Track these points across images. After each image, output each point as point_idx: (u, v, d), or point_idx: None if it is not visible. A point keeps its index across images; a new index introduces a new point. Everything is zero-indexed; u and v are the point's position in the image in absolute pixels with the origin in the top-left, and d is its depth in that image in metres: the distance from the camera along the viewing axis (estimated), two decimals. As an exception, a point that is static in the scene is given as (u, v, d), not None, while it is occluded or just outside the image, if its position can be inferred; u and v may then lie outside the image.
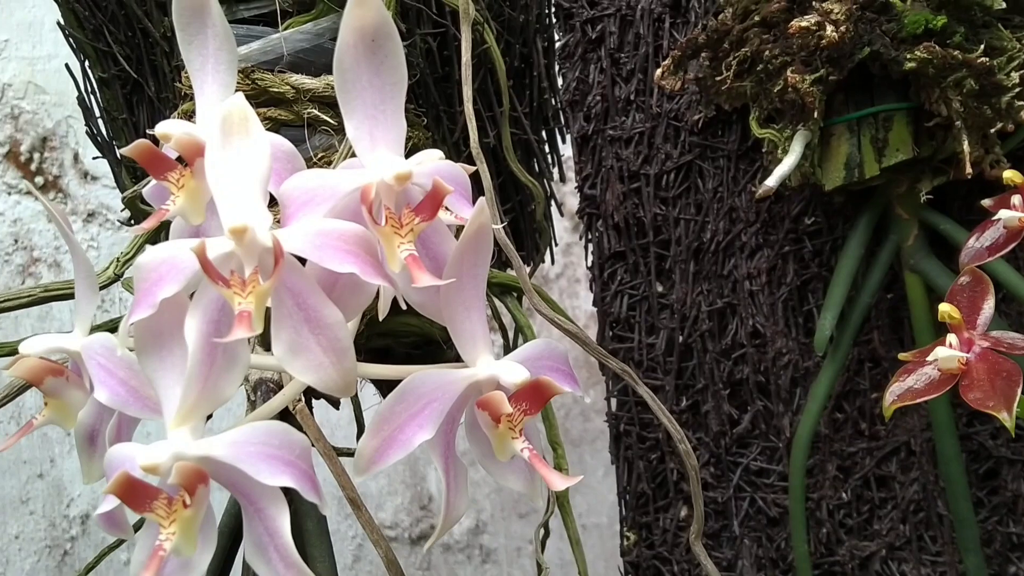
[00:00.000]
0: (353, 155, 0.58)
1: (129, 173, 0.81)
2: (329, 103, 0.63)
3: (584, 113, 0.86)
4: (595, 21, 0.85)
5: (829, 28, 0.57)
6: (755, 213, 0.80)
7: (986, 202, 0.59)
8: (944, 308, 0.44)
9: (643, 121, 0.83)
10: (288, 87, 0.62)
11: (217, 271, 0.38)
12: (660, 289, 0.84)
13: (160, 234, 0.60)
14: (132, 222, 0.88)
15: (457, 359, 0.83)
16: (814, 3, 0.61)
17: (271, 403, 0.48)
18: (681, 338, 0.84)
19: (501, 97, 0.80)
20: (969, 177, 0.60)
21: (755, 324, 0.81)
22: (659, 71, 0.73)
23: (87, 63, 0.82)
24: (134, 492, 0.38)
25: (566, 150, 0.95)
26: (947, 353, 0.43)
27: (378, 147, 0.43)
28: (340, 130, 0.64)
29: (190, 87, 0.65)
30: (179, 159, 0.48)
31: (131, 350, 0.44)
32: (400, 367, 0.46)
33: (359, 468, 0.44)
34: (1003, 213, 0.53)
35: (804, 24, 0.58)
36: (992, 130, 0.60)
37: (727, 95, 0.75)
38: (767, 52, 0.63)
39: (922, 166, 0.67)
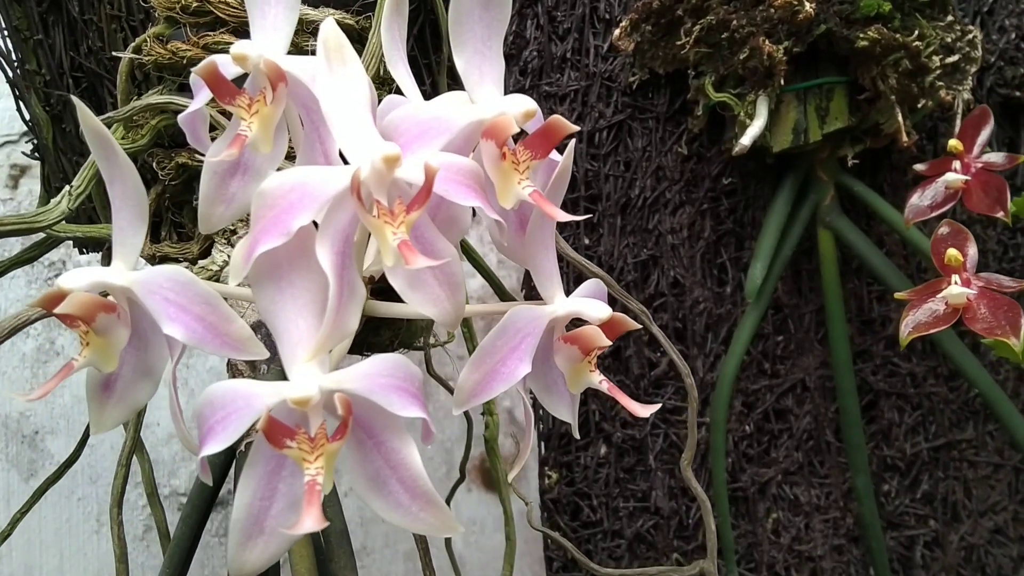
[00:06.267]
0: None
1: (40, 100, 0.72)
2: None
3: (520, 68, 0.88)
4: (532, -23, 0.87)
5: (807, 4, 0.64)
6: (679, 172, 0.86)
7: (919, 166, 0.68)
8: (952, 252, 0.52)
9: (578, 80, 0.86)
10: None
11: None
12: (588, 242, 0.89)
13: None
14: (36, 155, 0.79)
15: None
16: (783, -20, 0.67)
17: (342, 347, 0.46)
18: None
19: (440, 44, 0.80)
20: (905, 145, 0.69)
21: (675, 275, 0.88)
22: (616, 32, 0.77)
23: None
24: (275, 431, 0.37)
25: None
26: (958, 290, 0.51)
27: (485, 82, 0.44)
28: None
29: (168, 8, 0.60)
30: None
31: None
32: (496, 304, 0.47)
33: (460, 401, 0.44)
34: (949, 176, 0.62)
35: (788, -1, 0.64)
36: (919, 106, 0.69)
37: (663, 60, 0.80)
38: (734, 22, 0.69)
39: (843, 135, 0.76)
